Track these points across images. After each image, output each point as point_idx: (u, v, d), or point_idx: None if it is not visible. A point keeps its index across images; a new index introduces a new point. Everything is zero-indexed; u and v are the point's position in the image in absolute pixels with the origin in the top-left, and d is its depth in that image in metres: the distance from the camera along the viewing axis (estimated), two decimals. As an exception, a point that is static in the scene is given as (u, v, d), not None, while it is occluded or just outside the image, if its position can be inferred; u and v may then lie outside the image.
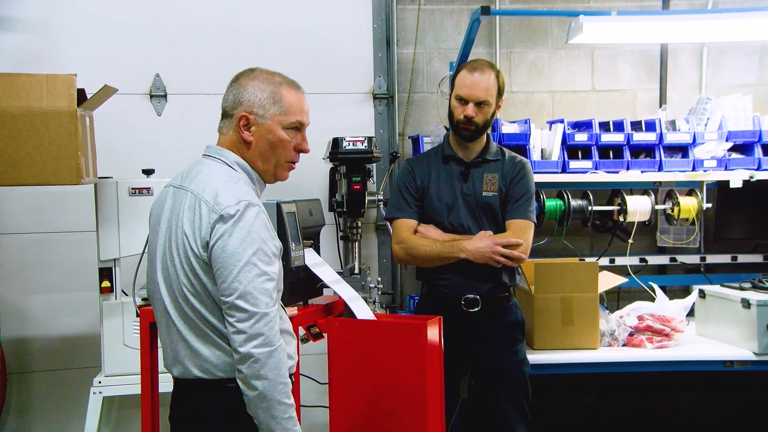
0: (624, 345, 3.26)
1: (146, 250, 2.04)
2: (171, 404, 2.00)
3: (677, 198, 3.70)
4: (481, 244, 2.80)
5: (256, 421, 1.83)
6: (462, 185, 2.91)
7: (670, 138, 3.68)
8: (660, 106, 4.02)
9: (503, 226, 2.89)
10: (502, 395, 2.89)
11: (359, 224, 3.38)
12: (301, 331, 2.53)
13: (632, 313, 3.33)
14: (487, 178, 2.90)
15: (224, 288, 1.79)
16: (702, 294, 3.44)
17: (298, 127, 1.99)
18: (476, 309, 2.85)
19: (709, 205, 3.67)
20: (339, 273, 2.79)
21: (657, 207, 3.71)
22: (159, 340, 2.01)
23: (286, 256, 2.40)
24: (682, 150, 3.71)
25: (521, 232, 2.84)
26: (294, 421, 1.84)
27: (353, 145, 3.24)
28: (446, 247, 2.82)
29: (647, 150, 3.73)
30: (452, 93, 2.90)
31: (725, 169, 3.63)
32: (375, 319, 2.53)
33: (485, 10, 3.22)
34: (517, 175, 2.91)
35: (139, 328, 2.70)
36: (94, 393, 3.15)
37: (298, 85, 2.00)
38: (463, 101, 2.83)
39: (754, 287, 3.29)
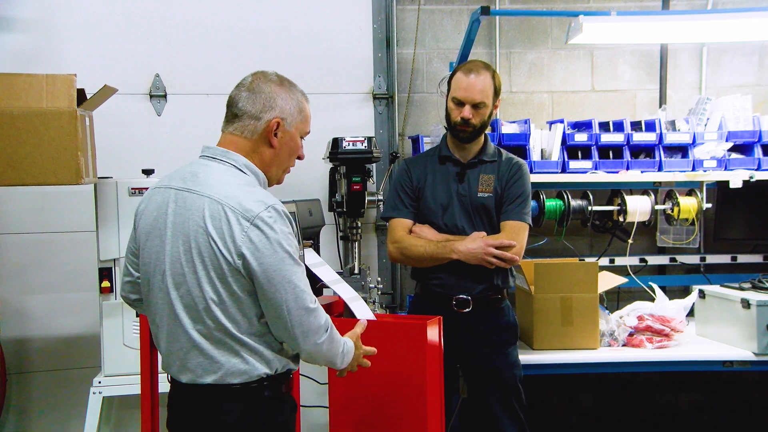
0: (624, 345, 3.26)
1: (141, 253, 1.97)
2: (171, 409, 1.97)
3: (677, 198, 3.70)
4: (473, 245, 2.79)
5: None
6: (457, 186, 2.90)
7: (670, 138, 3.68)
8: (660, 107, 4.02)
9: (498, 227, 2.88)
10: (492, 396, 2.89)
11: (359, 224, 3.38)
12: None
13: (632, 313, 3.33)
14: (482, 179, 2.89)
15: (275, 291, 1.83)
16: (702, 294, 3.44)
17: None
18: (467, 309, 2.85)
19: (709, 205, 3.67)
20: (339, 273, 2.79)
21: (657, 207, 3.72)
22: (160, 345, 1.97)
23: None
24: (682, 150, 3.71)
25: (515, 233, 2.83)
26: (344, 350, 2.01)
27: (353, 145, 3.24)
28: (439, 248, 2.82)
29: (647, 150, 3.73)
30: (448, 95, 2.89)
31: (725, 169, 3.63)
32: (375, 319, 2.53)
33: (485, 11, 3.23)
34: (513, 176, 2.90)
35: (138, 328, 2.70)
36: (93, 393, 3.15)
37: (307, 96, 2.07)
38: (460, 103, 2.83)
39: (754, 287, 3.29)
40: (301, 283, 1.85)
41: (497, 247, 2.79)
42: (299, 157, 2.08)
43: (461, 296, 2.86)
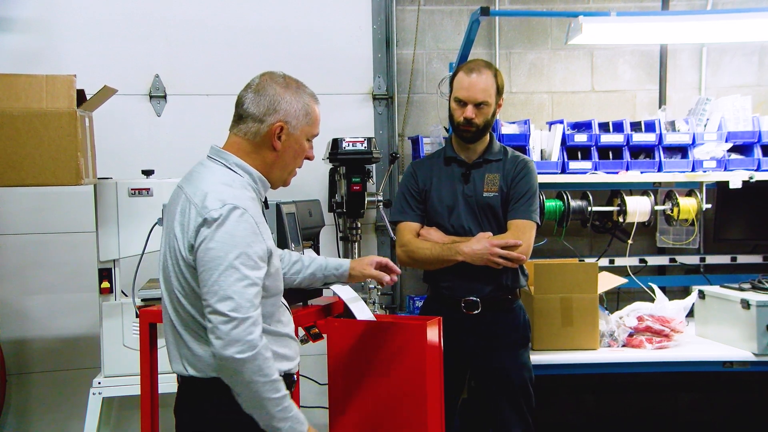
0: (623, 345, 3.26)
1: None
2: (176, 398, 2.02)
3: (677, 199, 3.71)
4: (478, 246, 2.78)
5: (256, 419, 1.83)
6: (463, 186, 2.89)
7: (670, 139, 3.68)
8: (659, 107, 4.03)
9: (505, 227, 2.87)
10: (500, 398, 2.87)
11: (359, 225, 3.39)
12: (301, 332, 2.53)
13: (632, 313, 3.33)
14: (488, 179, 2.87)
15: (205, 291, 1.80)
16: (701, 295, 3.44)
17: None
18: (476, 311, 2.85)
19: (709, 205, 3.67)
20: (339, 274, 2.79)
21: (656, 208, 3.72)
22: (165, 338, 2.04)
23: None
24: (682, 150, 3.71)
25: (521, 232, 2.81)
26: (288, 408, 1.85)
27: (353, 145, 3.24)
28: (445, 250, 2.81)
29: (647, 150, 3.73)
30: (450, 95, 2.88)
31: (725, 169, 3.63)
32: (374, 319, 2.53)
33: (485, 11, 3.22)
34: (519, 174, 2.87)
35: (138, 328, 2.70)
36: (93, 394, 3.14)
37: (317, 98, 2.05)
38: (462, 103, 2.81)
39: (754, 288, 3.29)
40: (231, 288, 1.77)
41: (502, 247, 2.77)
42: (309, 158, 2.07)
43: (470, 298, 2.84)
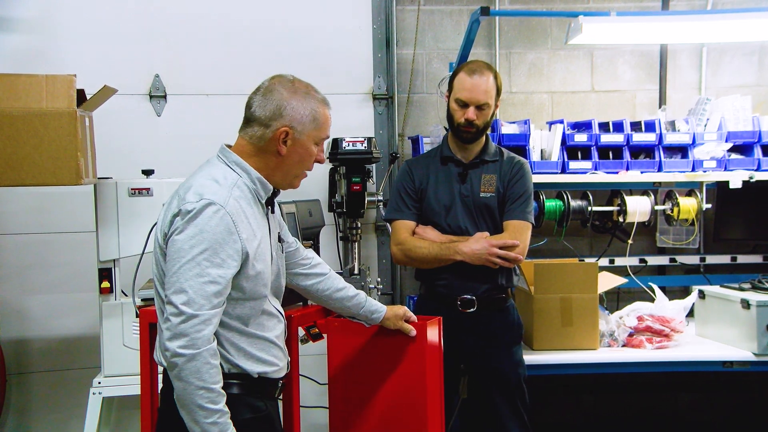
0: (623, 345, 3.26)
1: None
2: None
3: (677, 198, 3.71)
4: (477, 246, 2.79)
5: (184, 419, 1.80)
6: (460, 186, 2.90)
7: (670, 138, 3.68)
8: (659, 107, 4.03)
9: (501, 227, 2.89)
10: (497, 396, 2.89)
11: (359, 225, 3.38)
12: (301, 331, 2.53)
13: (632, 313, 3.33)
14: (485, 179, 2.89)
15: (166, 281, 1.82)
16: (701, 294, 3.44)
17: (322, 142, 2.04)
18: (472, 309, 2.86)
19: (709, 205, 3.67)
20: (339, 274, 2.79)
21: (656, 207, 3.72)
22: None
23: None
24: (682, 150, 3.71)
25: (518, 233, 2.84)
26: (222, 425, 1.78)
27: (353, 145, 3.23)
28: (443, 249, 2.82)
29: (647, 150, 3.73)
30: (451, 95, 2.89)
31: (725, 169, 3.64)
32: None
33: (485, 11, 3.23)
34: (515, 176, 2.90)
35: (138, 328, 2.70)
36: (93, 393, 3.14)
37: (328, 102, 2.04)
38: (464, 105, 2.82)
39: (754, 288, 3.29)
40: (188, 282, 1.77)
41: (501, 247, 2.79)
42: (319, 161, 2.06)
43: (466, 296, 2.86)
